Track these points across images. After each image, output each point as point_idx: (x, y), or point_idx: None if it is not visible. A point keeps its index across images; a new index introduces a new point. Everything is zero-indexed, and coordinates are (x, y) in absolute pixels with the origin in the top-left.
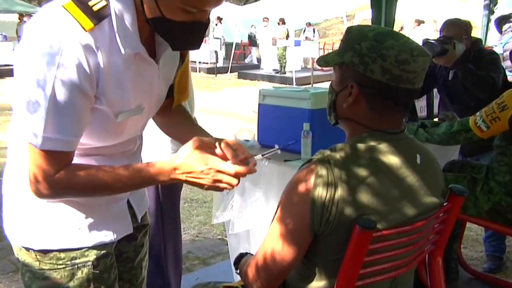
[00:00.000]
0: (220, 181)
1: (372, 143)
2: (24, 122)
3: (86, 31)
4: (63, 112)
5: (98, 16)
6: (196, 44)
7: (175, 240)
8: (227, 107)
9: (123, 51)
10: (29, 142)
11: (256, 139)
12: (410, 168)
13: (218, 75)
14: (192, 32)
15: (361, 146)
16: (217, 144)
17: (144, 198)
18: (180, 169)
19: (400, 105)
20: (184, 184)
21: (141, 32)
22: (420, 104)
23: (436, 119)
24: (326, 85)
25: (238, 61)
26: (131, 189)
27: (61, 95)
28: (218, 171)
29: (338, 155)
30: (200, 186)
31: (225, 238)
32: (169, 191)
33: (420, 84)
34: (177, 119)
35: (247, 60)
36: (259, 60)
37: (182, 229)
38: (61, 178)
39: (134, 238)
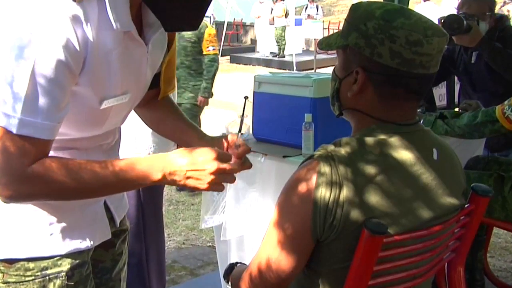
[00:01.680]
0: (221, 181)
1: (382, 137)
2: None
3: (74, 1)
4: (46, 91)
5: None
6: (195, 24)
7: (158, 247)
8: (218, 95)
9: (114, 26)
10: (0, 125)
11: (250, 132)
12: (425, 165)
13: None
14: (190, 10)
15: (369, 140)
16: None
17: (123, 199)
18: (177, 167)
19: (413, 93)
20: (169, 186)
21: (130, 10)
22: (439, 92)
23: (457, 109)
24: (331, 70)
25: (230, 43)
26: (115, 192)
27: (45, 70)
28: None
29: (343, 150)
30: (197, 188)
31: (215, 245)
32: (151, 191)
33: (436, 68)
34: (165, 114)
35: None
36: (254, 41)
37: (166, 235)
38: (34, 172)
39: (112, 245)
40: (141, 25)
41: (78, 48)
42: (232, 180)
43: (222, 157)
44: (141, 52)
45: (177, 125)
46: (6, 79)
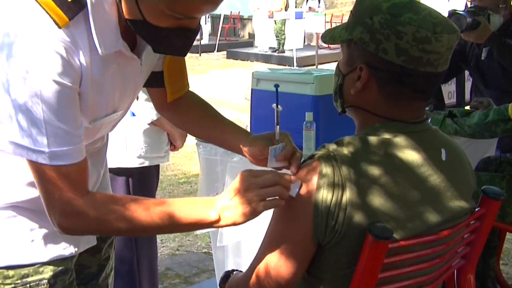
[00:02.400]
0: (264, 194)
1: (387, 136)
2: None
3: (60, 27)
4: (63, 118)
5: (73, 8)
6: (183, 52)
7: (150, 254)
8: (213, 93)
9: (100, 52)
10: (34, 161)
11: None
12: (433, 166)
13: (202, 54)
14: (178, 39)
15: (373, 139)
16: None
17: None
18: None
19: (420, 92)
20: (162, 188)
21: (120, 21)
22: (448, 89)
23: (467, 107)
24: (333, 66)
25: (227, 37)
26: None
27: (52, 98)
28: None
29: (346, 150)
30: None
31: (211, 252)
32: (141, 190)
33: (445, 66)
34: (196, 115)
35: None
36: (252, 36)
37: (159, 241)
38: (86, 207)
39: (97, 250)
40: (135, 35)
41: (75, 71)
42: (277, 191)
43: (254, 173)
44: (135, 66)
45: (214, 125)
46: (19, 114)
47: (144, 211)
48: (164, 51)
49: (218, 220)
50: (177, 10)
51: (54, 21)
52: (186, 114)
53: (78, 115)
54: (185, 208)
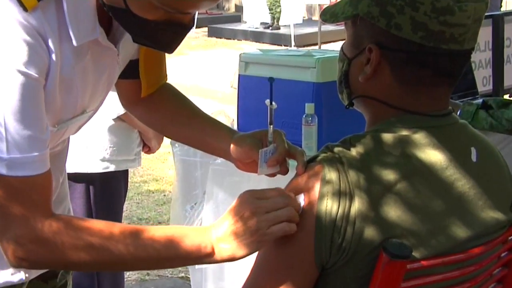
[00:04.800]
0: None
1: (404, 132)
2: None
3: (27, 11)
4: (24, 117)
5: None
6: (170, 48)
7: (115, 280)
8: (191, 79)
9: (75, 41)
10: None
11: (235, 127)
12: (461, 169)
13: None
14: (166, 35)
15: (387, 136)
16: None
17: (69, 214)
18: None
19: (444, 75)
20: (129, 198)
21: (96, 3)
22: (483, 74)
23: (507, 96)
24: (340, 46)
25: (208, 10)
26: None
27: (14, 90)
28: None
29: (354, 151)
30: (259, 242)
31: (189, 276)
32: (105, 200)
33: (473, 42)
34: (171, 112)
35: None
36: (240, 9)
37: None
38: (63, 222)
39: (52, 276)
40: (110, 19)
41: (42, 57)
42: (286, 214)
43: (257, 194)
44: (110, 57)
45: (191, 123)
46: None
47: (123, 241)
48: (147, 45)
49: (211, 254)
50: (169, 4)
51: (20, 2)
52: (158, 111)
53: (44, 116)
54: (173, 239)
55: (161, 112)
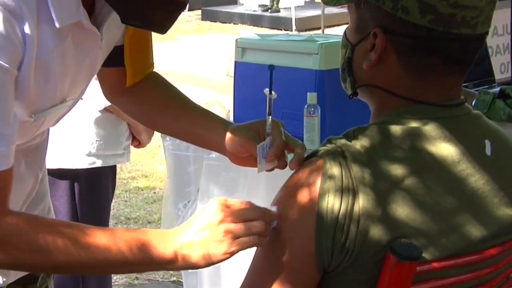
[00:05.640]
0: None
1: (413, 124)
2: None
3: None
4: None
5: None
6: (162, 28)
7: (100, 283)
8: (184, 66)
9: (57, 23)
10: None
11: (231, 118)
12: (474, 163)
13: None
14: (157, 14)
15: (395, 129)
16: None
17: (49, 213)
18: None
19: (455, 62)
20: (116, 195)
21: None
22: (501, 60)
23: None
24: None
25: None
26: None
27: None
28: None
29: (358, 144)
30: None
31: (181, 280)
32: (91, 198)
33: (487, 26)
34: (160, 103)
35: None
36: None
37: None
38: (20, 221)
39: (32, 280)
40: (93, 1)
41: (15, 44)
42: (258, 228)
43: (227, 203)
44: (93, 41)
45: (181, 115)
46: None
47: (82, 243)
48: (137, 25)
49: (174, 261)
50: None
51: None
52: (145, 102)
53: (11, 109)
54: (135, 244)
55: (148, 103)
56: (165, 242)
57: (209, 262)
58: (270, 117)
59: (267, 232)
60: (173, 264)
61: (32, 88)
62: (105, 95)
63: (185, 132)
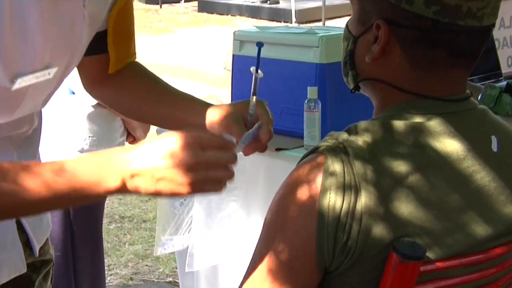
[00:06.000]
0: (210, 179)
1: (417, 119)
2: None
3: None
4: None
5: None
6: None
7: (93, 284)
8: (180, 60)
9: None
10: None
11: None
12: (480, 159)
13: (164, 6)
14: None
15: (398, 124)
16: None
17: (45, 217)
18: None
19: (460, 55)
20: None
21: None
22: (508, 53)
23: None
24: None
25: None
26: (41, 211)
27: None
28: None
29: (361, 140)
30: (177, 194)
31: (177, 281)
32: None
33: (493, 18)
34: (140, 90)
35: None
36: None
37: (106, 267)
38: None
39: (28, 283)
40: None
41: None
42: (227, 176)
43: (204, 142)
44: (74, 7)
45: (162, 101)
46: None
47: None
48: None
49: (121, 188)
50: None
51: None
52: (126, 90)
53: None
54: (73, 167)
55: (128, 90)
56: (114, 164)
57: (164, 197)
58: (254, 97)
59: (230, 180)
60: (120, 191)
61: (9, 45)
62: (84, 86)
63: (166, 118)
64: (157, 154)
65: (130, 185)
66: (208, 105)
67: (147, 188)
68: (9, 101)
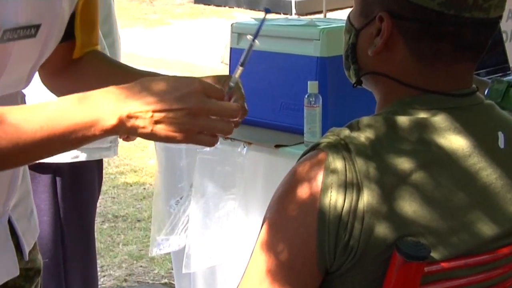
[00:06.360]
0: (210, 128)
1: (422, 115)
2: None
3: None
4: None
5: None
6: None
7: (87, 286)
8: (175, 53)
9: None
10: None
11: None
12: (486, 156)
13: None
14: None
15: (402, 120)
16: None
17: (32, 217)
18: (140, 104)
19: (466, 48)
20: (103, 192)
21: None
22: None
23: None
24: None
25: None
26: (35, 158)
27: None
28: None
29: (363, 136)
30: (172, 138)
31: (173, 282)
32: (75, 194)
33: (500, 10)
34: (101, 75)
35: None
36: None
37: (99, 268)
38: None
39: None
40: None
41: None
42: (227, 129)
43: (208, 90)
44: None
45: (127, 81)
46: None
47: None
48: None
49: (117, 128)
50: None
51: None
52: (87, 75)
53: None
54: (66, 107)
55: (92, 75)
56: (108, 110)
57: (155, 140)
58: (241, 68)
59: (230, 133)
60: (117, 130)
61: None
62: (45, 79)
63: None
64: (160, 95)
65: (127, 124)
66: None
67: (143, 129)
68: None
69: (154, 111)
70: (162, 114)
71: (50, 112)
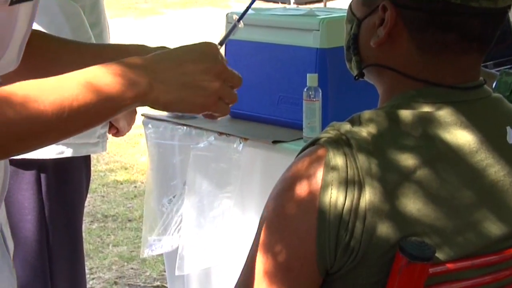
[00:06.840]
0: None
1: (426, 108)
2: None
3: None
4: None
5: None
6: None
7: (73, 286)
8: (168, 44)
9: None
10: None
11: None
12: (494, 152)
13: None
14: None
15: (405, 114)
16: None
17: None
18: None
19: (473, 40)
20: (92, 190)
21: None
22: None
23: None
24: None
25: None
26: (74, 131)
27: None
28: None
29: (365, 131)
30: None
31: (166, 285)
32: (60, 192)
33: (509, 0)
34: (50, 53)
35: None
36: None
37: (88, 271)
38: None
39: None
40: None
41: None
42: (235, 97)
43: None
44: None
45: (86, 55)
46: None
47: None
48: None
49: (146, 95)
50: None
51: None
52: (34, 57)
53: None
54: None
55: (37, 56)
56: (139, 75)
57: (178, 109)
58: (220, 47)
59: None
60: (143, 98)
61: None
62: None
63: None
64: (182, 59)
65: (156, 89)
66: (147, 49)
67: (170, 93)
68: (5, 20)
69: (182, 74)
70: (188, 78)
71: (81, 80)
